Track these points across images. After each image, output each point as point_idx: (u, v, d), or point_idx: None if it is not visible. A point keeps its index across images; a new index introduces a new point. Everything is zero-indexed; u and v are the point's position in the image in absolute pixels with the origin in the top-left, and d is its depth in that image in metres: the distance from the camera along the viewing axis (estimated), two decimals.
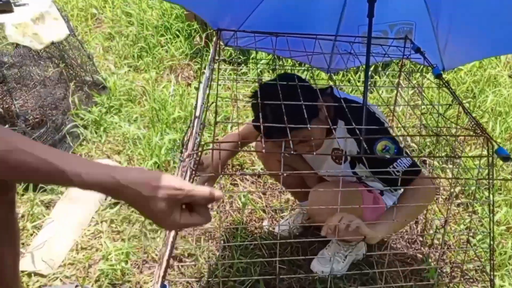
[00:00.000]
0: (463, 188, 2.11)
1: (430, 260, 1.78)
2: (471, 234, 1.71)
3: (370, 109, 1.37)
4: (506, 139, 2.38)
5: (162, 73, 2.98)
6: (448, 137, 1.41)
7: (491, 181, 1.09)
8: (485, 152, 1.00)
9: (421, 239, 1.92)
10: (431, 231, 1.90)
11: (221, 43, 1.65)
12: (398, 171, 1.29)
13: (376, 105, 1.75)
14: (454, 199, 2.08)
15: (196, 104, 1.24)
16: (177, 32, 3.24)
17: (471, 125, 1.14)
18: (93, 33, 3.47)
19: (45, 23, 2.38)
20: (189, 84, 2.88)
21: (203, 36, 3.07)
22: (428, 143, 2.27)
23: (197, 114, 1.16)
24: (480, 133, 1.09)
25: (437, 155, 2.24)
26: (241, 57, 2.98)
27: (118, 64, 3.09)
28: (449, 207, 1.84)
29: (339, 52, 1.58)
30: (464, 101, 2.35)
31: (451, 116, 2.00)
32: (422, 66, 2.32)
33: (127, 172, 0.71)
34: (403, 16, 1.57)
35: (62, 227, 1.80)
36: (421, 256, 1.84)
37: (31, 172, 0.68)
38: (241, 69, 2.91)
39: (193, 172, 0.99)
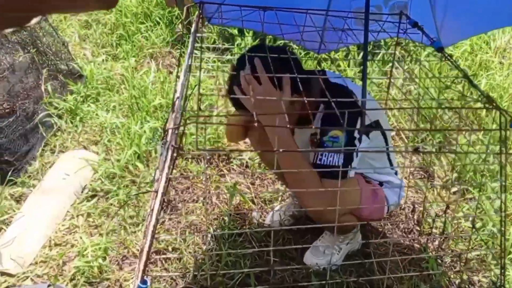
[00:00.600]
0: (459, 174, 2.03)
1: (428, 250, 1.70)
2: (473, 220, 1.63)
3: (354, 94, 1.28)
4: None
5: (142, 61, 2.83)
6: (457, 110, 1.31)
7: (504, 157, 0.99)
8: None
9: (418, 228, 1.83)
10: (429, 220, 1.81)
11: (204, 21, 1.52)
12: (319, 160, 1.23)
13: (370, 92, 1.63)
14: (450, 186, 2.01)
15: (176, 85, 1.11)
16: (158, 19, 3.09)
17: (480, 98, 1.04)
18: (68, 20, 3.29)
19: None
20: (170, 72, 2.74)
21: (185, 22, 2.93)
22: (421, 131, 2.19)
23: (178, 94, 1.03)
24: (491, 105, 0.99)
25: (432, 141, 2.16)
26: (226, 43, 2.85)
27: (95, 52, 2.93)
28: (449, 192, 1.76)
29: (333, 27, 1.47)
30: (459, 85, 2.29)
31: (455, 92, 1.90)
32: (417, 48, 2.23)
33: None
34: None
35: (33, 222, 1.65)
36: (418, 245, 1.75)
37: None
38: (226, 56, 2.78)
39: (175, 150, 0.86)
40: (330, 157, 1.22)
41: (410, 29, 1.43)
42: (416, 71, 2.23)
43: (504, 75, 2.50)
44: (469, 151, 1.58)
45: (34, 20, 2.11)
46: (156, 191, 0.91)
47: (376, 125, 1.27)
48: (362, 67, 1.23)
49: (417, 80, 1.77)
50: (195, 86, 1.21)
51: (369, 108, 1.20)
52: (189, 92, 1.34)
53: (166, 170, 0.87)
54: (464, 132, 2.18)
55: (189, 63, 1.04)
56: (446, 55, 1.23)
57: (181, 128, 0.87)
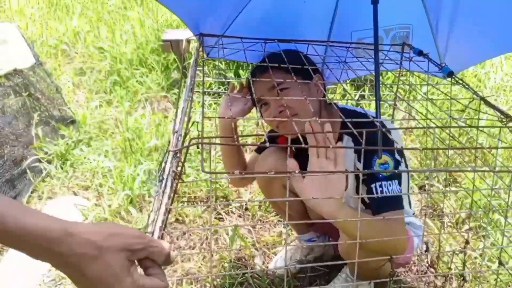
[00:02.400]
0: (470, 211, 1.93)
1: None
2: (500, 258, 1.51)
3: (383, 124, 1.19)
4: None
5: (136, 106, 2.78)
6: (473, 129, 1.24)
7: None
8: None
9: (432, 270, 1.70)
10: (444, 261, 1.69)
11: (203, 54, 1.48)
12: (382, 192, 1.08)
13: (391, 120, 1.56)
14: (461, 225, 1.90)
15: (177, 110, 1.04)
16: (153, 65, 3.09)
17: (500, 118, 0.98)
18: (63, 69, 3.28)
19: (8, 49, 2.18)
20: (166, 116, 2.68)
21: (181, 67, 2.93)
22: (428, 160, 2.11)
23: (179, 116, 0.95)
24: None
25: (438, 175, 2.08)
26: (222, 86, 2.83)
27: (89, 98, 2.88)
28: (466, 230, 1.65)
29: (337, 58, 1.42)
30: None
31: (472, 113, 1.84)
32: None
33: (77, 223, 0.54)
34: (399, 19, 1.44)
35: (15, 273, 1.50)
36: None
37: None
38: (221, 98, 2.74)
39: (176, 176, 0.77)
40: (389, 186, 1.08)
41: (415, 58, 1.39)
42: (418, 106, 2.20)
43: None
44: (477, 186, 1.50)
45: (28, 64, 2.05)
46: (152, 232, 0.81)
47: (401, 153, 1.16)
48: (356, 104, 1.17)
49: (416, 114, 1.72)
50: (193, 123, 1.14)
51: (393, 128, 1.12)
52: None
53: (165, 199, 0.77)
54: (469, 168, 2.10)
55: (191, 86, 0.98)
56: (458, 78, 1.18)
57: (183, 152, 0.78)
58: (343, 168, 0.81)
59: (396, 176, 1.10)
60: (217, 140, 1.44)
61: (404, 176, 1.23)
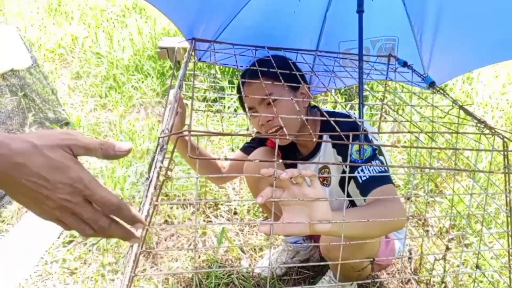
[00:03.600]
0: (453, 222, 1.97)
1: None
2: (476, 270, 1.55)
3: (359, 122, 1.24)
4: None
5: (131, 110, 2.82)
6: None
7: (508, 186, 0.96)
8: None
9: (415, 277, 1.73)
10: (426, 268, 1.72)
11: (194, 58, 1.52)
12: (364, 176, 1.09)
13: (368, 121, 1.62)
14: (445, 234, 1.94)
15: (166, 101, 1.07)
16: (149, 71, 3.13)
17: (476, 126, 1.03)
18: (60, 72, 3.32)
19: (5, 50, 2.22)
20: (160, 121, 2.72)
21: (174, 71, 2.97)
22: (412, 175, 2.16)
23: (168, 108, 0.99)
24: (491, 131, 0.97)
25: (424, 188, 2.13)
26: (213, 92, 2.87)
27: (84, 101, 2.92)
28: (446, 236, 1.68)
29: (325, 66, 1.48)
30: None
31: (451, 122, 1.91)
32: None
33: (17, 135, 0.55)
34: (385, 31, 1.51)
35: (2, 268, 1.52)
36: None
37: None
38: (215, 106, 2.79)
39: (163, 171, 0.80)
40: (369, 167, 1.08)
41: (400, 69, 1.45)
42: (405, 113, 2.26)
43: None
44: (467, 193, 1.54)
45: (25, 65, 2.09)
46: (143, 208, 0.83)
47: (380, 153, 1.19)
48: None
49: (405, 122, 1.77)
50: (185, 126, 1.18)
51: (374, 132, 1.16)
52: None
53: (151, 191, 0.81)
54: (458, 177, 2.15)
55: (182, 80, 1.02)
56: (438, 88, 1.23)
57: (170, 146, 0.82)
58: (319, 186, 0.77)
59: (375, 157, 1.12)
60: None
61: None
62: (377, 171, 1.09)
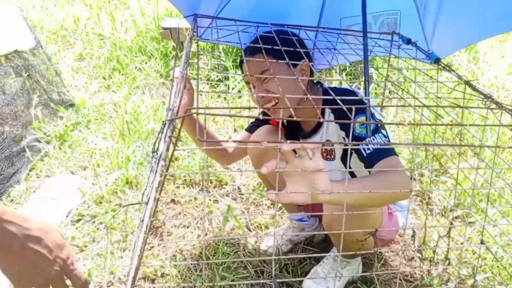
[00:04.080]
0: (458, 201, 1.98)
1: (432, 276, 1.61)
2: (478, 246, 1.56)
3: (359, 95, 1.24)
4: None
5: (135, 92, 2.82)
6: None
7: None
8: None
9: (419, 255, 1.75)
10: (430, 246, 1.74)
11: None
12: (369, 149, 1.10)
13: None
14: (450, 213, 1.95)
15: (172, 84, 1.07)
16: (152, 52, 3.12)
17: (483, 101, 1.02)
18: (63, 53, 3.30)
19: (9, 31, 2.21)
20: (164, 102, 2.72)
21: (180, 54, 2.96)
22: (417, 153, 2.16)
23: (174, 89, 0.99)
24: (496, 105, 0.97)
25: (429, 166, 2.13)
26: (218, 73, 2.86)
27: (88, 83, 2.91)
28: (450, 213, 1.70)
29: (328, 42, 1.46)
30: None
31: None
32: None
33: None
34: (386, 5, 1.48)
35: None
36: (420, 273, 1.67)
37: None
38: (218, 86, 2.79)
39: (171, 140, 0.81)
40: (373, 140, 1.10)
41: (404, 46, 1.44)
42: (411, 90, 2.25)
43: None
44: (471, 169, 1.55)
45: (28, 46, 2.09)
46: (147, 202, 0.84)
47: (382, 127, 1.20)
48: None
49: (410, 99, 1.76)
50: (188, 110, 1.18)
51: (375, 106, 1.16)
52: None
53: (161, 164, 0.81)
54: (459, 158, 2.16)
55: (187, 57, 1.01)
56: (444, 64, 1.23)
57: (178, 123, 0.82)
58: (319, 159, 0.79)
59: (378, 131, 1.13)
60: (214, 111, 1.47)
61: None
62: (382, 144, 1.10)
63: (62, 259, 0.70)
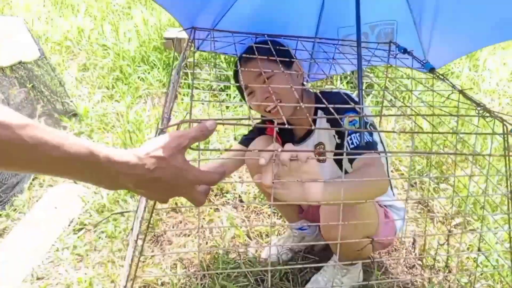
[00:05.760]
0: (458, 208, 1.98)
1: (432, 284, 1.61)
2: (477, 253, 1.56)
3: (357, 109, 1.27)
4: None
5: (137, 101, 2.85)
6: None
7: (508, 171, 0.97)
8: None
9: (420, 262, 1.75)
10: (430, 254, 1.74)
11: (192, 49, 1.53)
12: (352, 144, 1.16)
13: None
14: (451, 219, 1.95)
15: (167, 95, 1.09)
16: (155, 62, 3.15)
17: (476, 109, 1.04)
18: (67, 64, 3.35)
19: (13, 42, 2.25)
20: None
21: (182, 64, 2.99)
22: (418, 160, 2.17)
23: (169, 97, 1.02)
24: (488, 113, 0.98)
25: (430, 174, 2.14)
26: (216, 81, 2.89)
27: (91, 93, 2.95)
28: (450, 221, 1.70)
29: (325, 52, 1.49)
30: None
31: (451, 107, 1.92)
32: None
33: (137, 149, 0.69)
34: (383, 16, 1.50)
35: (15, 255, 1.56)
36: (421, 280, 1.66)
37: (50, 151, 0.55)
38: (220, 95, 2.81)
39: None
40: (358, 137, 1.15)
41: (400, 55, 1.45)
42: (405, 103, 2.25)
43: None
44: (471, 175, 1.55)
45: (33, 57, 2.12)
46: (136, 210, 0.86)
47: (373, 128, 1.23)
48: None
49: (408, 108, 1.77)
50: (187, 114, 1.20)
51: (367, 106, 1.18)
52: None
53: None
54: (461, 166, 2.16)
55: (179, 75, 1.04)
56: (439, 74, 1.24)
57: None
58: (313, 162, 0.84)
59: (366, 126, 1.18)
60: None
61: (379, 145, 1.31)
62: (365, 140, 1.15)
63: (186, 185, 0.70)
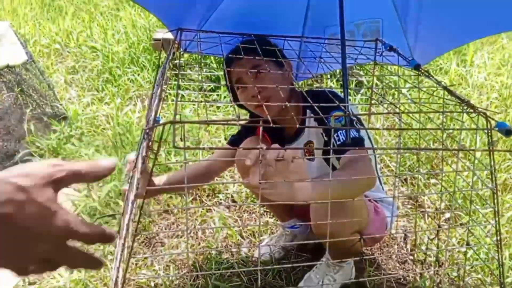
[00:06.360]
0: (449, 203, 2.01)
1: (424, 279, 1.63)
2: (465, 246, 1.58)
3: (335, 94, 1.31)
4: None
5: (127, 103, 2.84)
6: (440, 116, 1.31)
7: (493, 166, 0.98)
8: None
9: (411, 257, 1.77)
10: (422, 249, 1.76)
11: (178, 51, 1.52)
12: (339, 141, 1.18)
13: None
14: (441, 214, 1.97)
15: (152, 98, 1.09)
16: (144, 63, 3.15)
17: (460, 105, 1.05)
18: (56, 67, 3.33)
19: (1, 46, 2.23)
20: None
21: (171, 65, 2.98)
22: (409, 156, 2.19)
23: (155, 96, 1.02)
24: (472, 109, 1.00)
25: (420, 170, 2.16)
26: (205, 81, 2.89)
27: (81, 95, 2.94)
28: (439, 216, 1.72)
29: (311, 52, 1.49)
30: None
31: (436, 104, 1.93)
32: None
33: None
34: (368, 14, 1.51)
35: None
36: (413, 275, 1.68)
37: None
38: (210, 95, 2.81)
39: (148, 150, 0.83)
40: (344, 132, 1.17)
41: (386, 52, 1.46)
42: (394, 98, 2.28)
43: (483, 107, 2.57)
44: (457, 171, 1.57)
45: (20, 61, 2.11)
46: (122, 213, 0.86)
47: (360, 124, 1.25)
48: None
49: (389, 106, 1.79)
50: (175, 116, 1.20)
51: (353, 104, 1.20)
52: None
53: (136, 177, 0.83)
54: (450, 161, 2.18)
55: (163, 76, 1.04)
56: (423, 70, 1.25)
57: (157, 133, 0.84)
58: (301, 162, 0.87)
59: (352, 125, 1.20)
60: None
61: (366, 138, 1.32)
62: (351, 136, 1.17)
63: (51, 235, 0.47)
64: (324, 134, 1.29)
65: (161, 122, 0.92)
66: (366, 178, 1.02)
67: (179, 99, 1.28)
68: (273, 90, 1.22)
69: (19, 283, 1.50)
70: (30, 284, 1.50)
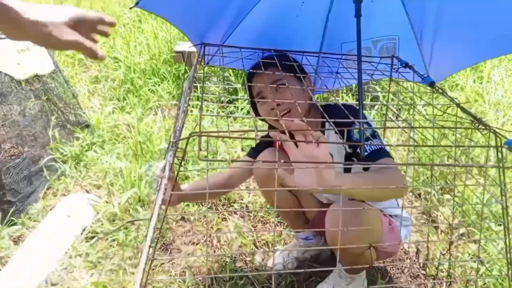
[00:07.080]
0: (462, 220, 2.01)
1: None
2: (478, 260, 1.59)
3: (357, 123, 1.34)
4: None
5: (148, 113, 2.93)
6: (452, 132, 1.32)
7: (502, 181, 1.01)
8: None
9: (423, 272, 1.78)
10: (434, 264, 1.76)
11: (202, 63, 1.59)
12: (366, 152, 1.22)
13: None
14: (453, 230, 1.98)
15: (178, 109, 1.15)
16: (165, 75, 3.24)
17: (472, 122, 1.08)
18: (79, 77, 3.45)
19: (30, 55, 2.34)
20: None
21: (190, 75, 3.07)
22: (423, 172, 2.20)
23: (181, 110, 1.07)
24: (484, 126, 1.03)
25: (435, 183, 2.17)
26: (225, 94, 2.96)
27: (103, 104, 3.03)
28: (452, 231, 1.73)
29: (328, 67, 1.54)
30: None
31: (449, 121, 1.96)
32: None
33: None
34: (385, 31, 1.55)
35: (30, 261, 1.62)
36: None
37: None
38: (228, 107, 2.87)
39: (173, 161, 0.89)
40: (373, 142, 1.22)
41: (402, 69, 1.50)
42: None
43: (499, 124, 2.57)
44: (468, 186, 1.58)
45: (48, 70, 2.22)
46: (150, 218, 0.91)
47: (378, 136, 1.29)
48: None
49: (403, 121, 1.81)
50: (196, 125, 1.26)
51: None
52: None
53: (164, 183, 0.88)
54: (464, 177, 2.19)
55: (191, 90, 1.10)
56: (438, 88, 1.29)
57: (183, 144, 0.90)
58: (326, 147, 0.91)
59: (374, 136, 1.24)
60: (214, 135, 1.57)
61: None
62: (377, 147, 1.21)
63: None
64: (347, 147, 1.32)
65: (183, 133, 0.98)
66: (396, 183, 1.05)
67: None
68: (292, 104, 1.27)
69: (42, 284, 1.57)
70: (52, 285, 1.57)
